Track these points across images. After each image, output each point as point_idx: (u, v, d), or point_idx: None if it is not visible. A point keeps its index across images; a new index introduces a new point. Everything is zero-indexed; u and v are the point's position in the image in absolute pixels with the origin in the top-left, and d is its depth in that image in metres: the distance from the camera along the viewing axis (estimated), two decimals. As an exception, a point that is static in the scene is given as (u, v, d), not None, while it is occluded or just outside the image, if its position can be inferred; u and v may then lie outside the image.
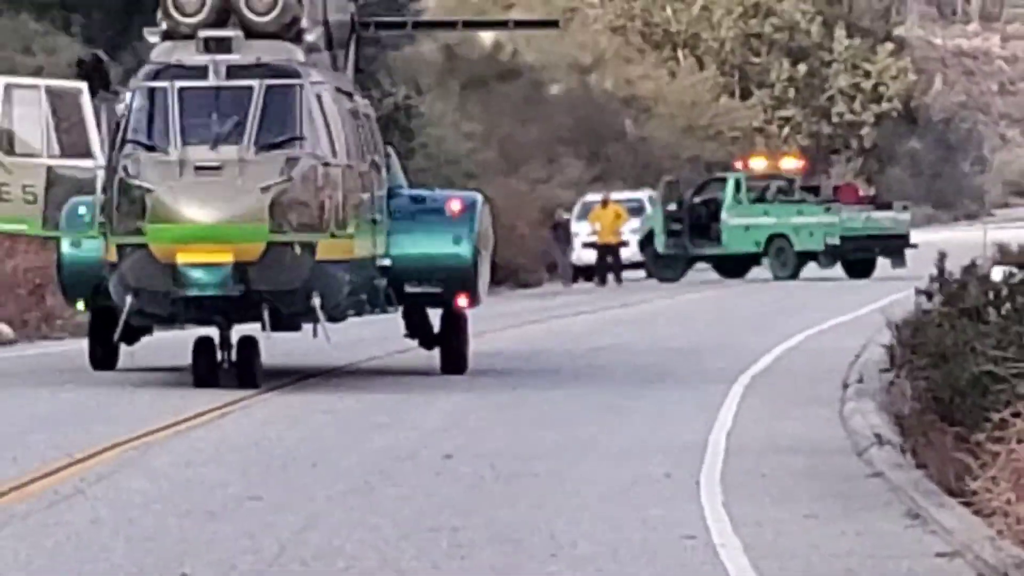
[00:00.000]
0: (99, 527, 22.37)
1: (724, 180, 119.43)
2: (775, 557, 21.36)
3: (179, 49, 42.11)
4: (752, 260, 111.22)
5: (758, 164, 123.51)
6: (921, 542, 22.35)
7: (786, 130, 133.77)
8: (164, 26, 42.75)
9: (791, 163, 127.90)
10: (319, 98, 41.81)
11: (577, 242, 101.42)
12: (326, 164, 41.47)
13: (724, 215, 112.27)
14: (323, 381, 44.09)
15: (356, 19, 45.47)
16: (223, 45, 41.89)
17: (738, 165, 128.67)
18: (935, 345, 32.14)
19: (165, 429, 34.98)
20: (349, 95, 45.11)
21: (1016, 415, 23.44)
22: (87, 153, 39.21)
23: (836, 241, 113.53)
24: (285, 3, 42.09)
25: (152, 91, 41.82)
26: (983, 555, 18.86)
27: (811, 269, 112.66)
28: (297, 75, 42.09)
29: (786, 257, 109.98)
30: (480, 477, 29.70)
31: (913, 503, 26.13)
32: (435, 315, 51.72)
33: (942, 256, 36.99)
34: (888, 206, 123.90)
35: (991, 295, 33.36)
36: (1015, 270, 34.21)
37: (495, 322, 65.67)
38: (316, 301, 41.09)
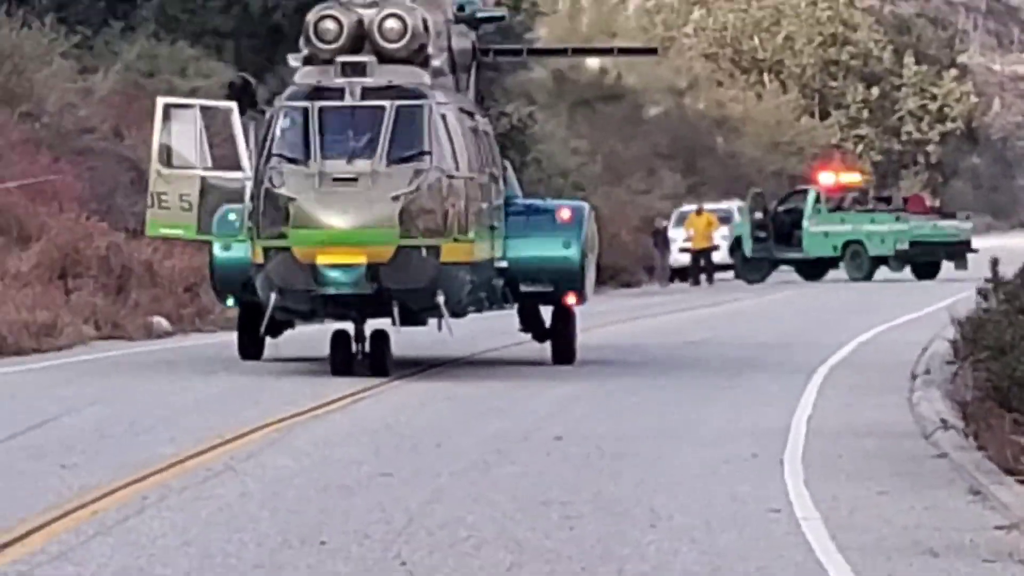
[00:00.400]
0: (247, 500, 22.85)
1: (805, 192, 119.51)
2: (851, 529, 21.66)
3: (319, 73, 42.75)
4: (830, 264, 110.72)
5: (827, 180, 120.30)
6: (982, 516, 22.47)
7: (860, 147, 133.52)
8: (306, 52, 43.93)
9: (851, 177, 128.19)
10: (443, 117, 41.71)
11: (674, 247, 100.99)
12: (450, 176, 41.36)
13: (805, 223, 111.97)
14: (446, 370, 44.17)
15: (476, 46, 46.65)
16: (358, 69, 42.01)
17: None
18: (994, 339, 31.84)
19: (305, 413, 35.15)
20: (470, 114, 45.16)
21: None
22: (236, 166, 39.15)
23: (905, 246, 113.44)
24: (414, 32, 42.44)
25: (295, 110, 42.31)
26: None
27: (883, 272, 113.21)
28: (424, 96, 41.91)
29: (861, 261, 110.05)
30: (587, 457, 29.43)
31: (975, 481, 26.21)
32: (546, 312, 51.03)
33: (995, 261, 37.49)
34: (952, 215, 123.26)
35: None
36: None
37: (600, 318, 64.91)
38: (440, 299, 41.12)
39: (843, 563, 17.88)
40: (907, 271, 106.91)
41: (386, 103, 40.26)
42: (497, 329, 50.49)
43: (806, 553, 18.58)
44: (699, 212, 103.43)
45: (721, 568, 17.14)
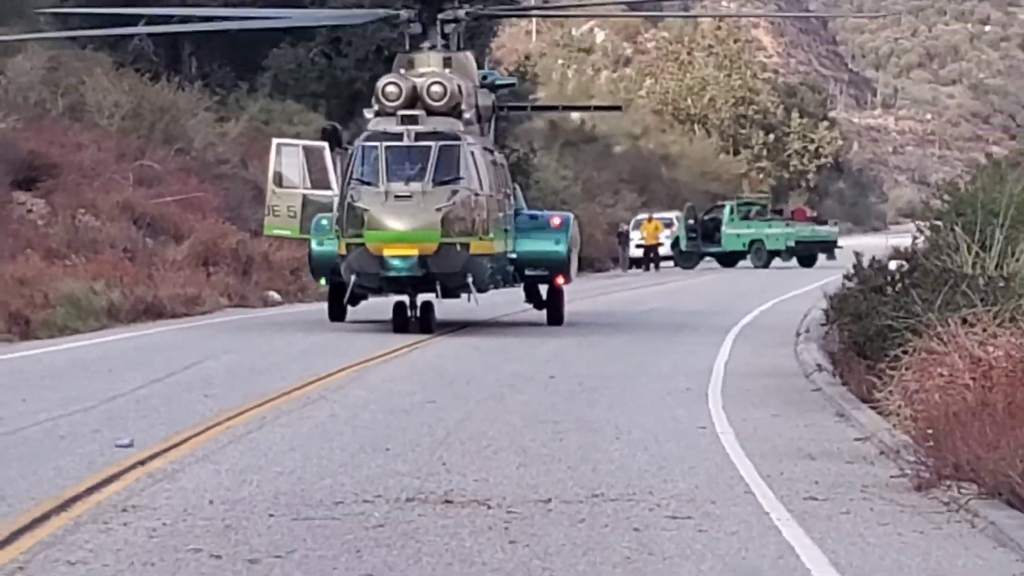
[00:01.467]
0: (334, 419, 23.29)
1: (723, 206, 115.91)
2: (754, 440, 22.80)
3: (385, 122, 42.04)
4: (740, 256, 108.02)
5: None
6: (845, 431, 23.76)
7: (761, 175, 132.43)
8: (376, 108, 43.13)
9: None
10: (472, 153, 42.28)
11: (632, 244, 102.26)
12: (476, 194, 41.50)
13: (723, 227, 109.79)
14: (473, 330, 43.51)
15: (495, 104, 45.11)
16: (413, 120, 41.43)
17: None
18: (854, 309, 32.16)
19: (375, 359, 34.30)
20: (490, 151, 46.21)
21: (905, 352, 24.04)
22: (327, 186, 39.83)
23: (792, 244, 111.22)
24: (451, 94, 42.08)
25: (369, 148, 41.46)
26: (884, 439, 20.80)
27: (777, 262, 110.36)
28: (458, 139, 41.77)
29: (761, 254, 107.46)
30: (571, 390, 29.04)
31: (840, 407, 27.05)
32: (543, 289, 48.81)
33: (858, 254, 35.21)
34: (824, 222, 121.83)
35: (888, 278, 32.09)
36: (903, 263, 33.60)
37: (580, 293, 63.19)
38: (469, 279, 40.48)
39: (748, 463, 19.13)
40: (793, 261, 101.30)
41: (432, 143, 40.54)
42: (509, 301, 48.41)
43: (723, 457, 19.83)
44: (649, 220, 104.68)
45: (665, 467, 18.08)
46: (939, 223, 39.24)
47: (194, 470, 16.78)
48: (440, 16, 44.60)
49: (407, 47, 45.05)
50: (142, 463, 16.81)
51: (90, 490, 14.60)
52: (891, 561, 13.19)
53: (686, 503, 15.29)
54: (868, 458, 19.58)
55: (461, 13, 47.54)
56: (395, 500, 14.65)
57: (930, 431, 17.92)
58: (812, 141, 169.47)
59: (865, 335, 30.75)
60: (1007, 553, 13.34)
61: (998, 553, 13.49)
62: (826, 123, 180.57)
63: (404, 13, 44.83)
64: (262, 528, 13.04)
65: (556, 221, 47.50)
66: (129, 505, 13.79)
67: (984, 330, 23.74)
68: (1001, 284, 29.11)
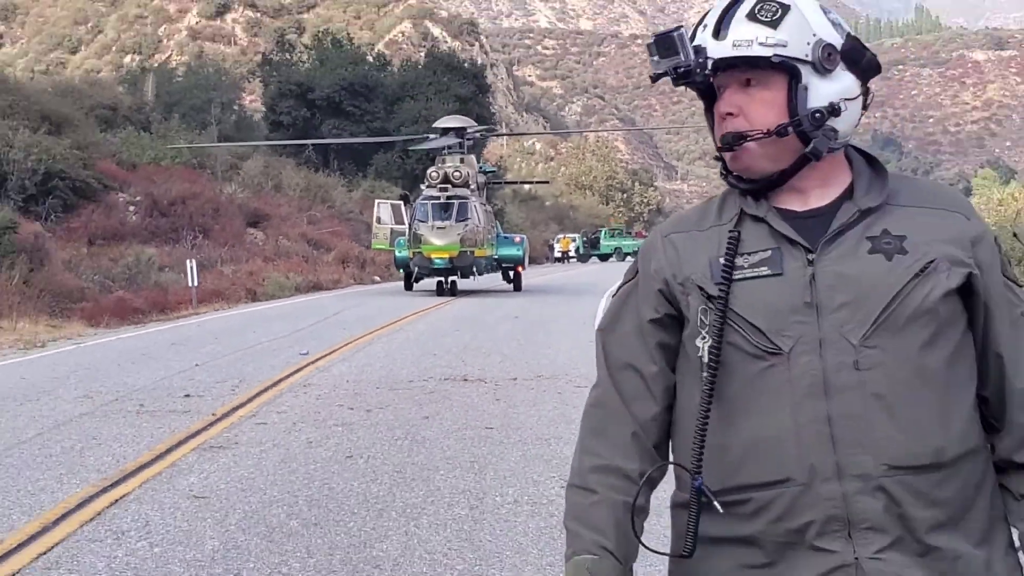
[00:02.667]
0: (407, 339, 23.70)
1: (602, 229, 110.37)
2: None
3: (430, 191, 45.14)
4: (610, 255, 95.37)
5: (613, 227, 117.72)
6: None
7: (620, 215, 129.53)
8: (426, 184, 46.57)
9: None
10: (475, 206, 48.26)
11: (555, 250, 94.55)
12: (476, 226, 46.62)
13: (602, 240, 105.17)
14: (476, 295, 46.98)
15: (486, 181, 49.07)
16: (444, 189, 44.93)
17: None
18: None
19: (427, 309, 34.55)
20: (484, 205, 49.45)
21: None
22: (403, 223, 44.35)
23: (635, 248, 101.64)
24: (465, 177, 45.85)
25: (423, 203, 46.43)
26: None
27: (629, 259, 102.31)
28: (467, 199, 48.03)
29: (621, 254, 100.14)
30: (531, 324, 30.21)
31: None
32: (511, 272, 51.06)
33: None
34: None
35: None
36: None
37: (528, 276, 63.80)
38: (474, 268, 45.25)
39: None
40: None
41: (454, 201, 45.90)
42: (493, 280, 52.20)
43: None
44: (564, 238, 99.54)
45: (573, 361, 18.99)
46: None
47: (338, 366, 19.23)
48: (462, 138, 50.68)
49: (444, 152, 51.55)
50: (313, 363, 19.57)
51: (288, 376, 17.15)
52: None
53: (585, 379, 18.08)
54: None
55: (476, 135, 54.15)
56: (439, 379, 16.70)
57: None
58: (643, 196, 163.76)
59: None
60: None
61: None
62: (653, 187, 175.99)
63: (444, 140, 51.00)
64: (372, 394, 15.28)
65: (517, 238, 54.90)
66: (307, 383, 16.44)
67: None
68: None
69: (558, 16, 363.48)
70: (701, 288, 2.14)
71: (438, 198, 43.84)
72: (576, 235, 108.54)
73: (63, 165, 37.99)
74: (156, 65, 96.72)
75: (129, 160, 47.16)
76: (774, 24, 1.99)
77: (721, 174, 2.23)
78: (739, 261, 2.10)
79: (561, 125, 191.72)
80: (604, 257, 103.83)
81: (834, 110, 2.03)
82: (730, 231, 2.11)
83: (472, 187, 46.52)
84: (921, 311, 1.98)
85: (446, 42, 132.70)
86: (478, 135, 55.74)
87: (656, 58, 2.08)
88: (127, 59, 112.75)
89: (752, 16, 1.99)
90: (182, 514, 8.48)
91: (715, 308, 2.09)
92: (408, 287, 46.56)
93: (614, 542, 2.13)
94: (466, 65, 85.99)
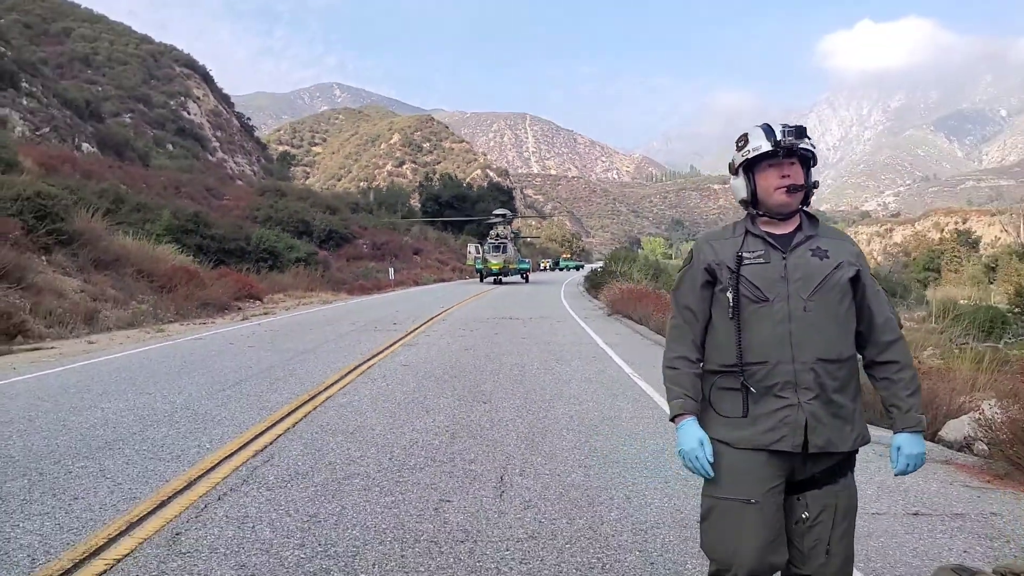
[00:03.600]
0: (481, 304, 27.09)
1: (560, 257, 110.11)
2: (570, 299, 28.04)
3: (491, 240, 52.31)
4: (564, 269, 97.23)
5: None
6: (592, 303, 26.99)
7: (565, 252, 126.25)
8: (490, 237, 53.48)
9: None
10: (510, 247, 51.40)
11: (541, 266, 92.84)
12: (510, 255, 51.07)
13: (561, 262, 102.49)
14: (509, 285, 45.68)
15: (516, 236, 54.54)
16: (496, 239, 52.18)
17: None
18: (593, 277, 29.90)
19: (491, 289, 38.96)
20: (516, 246, 54.08)
21: (608, 286, 26.01)
22: (479, 254, 50.07)
23: (575, 265, 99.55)
24: (506, 235, 53.52)
25: (487, 245, 51.97)
26: (600, 305, 23.90)
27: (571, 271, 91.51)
28: (507, 243, 51.71)
29: (568, 269, 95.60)
30: (531, 294, 34.07)
31: (589, 298, 29.11)
32: (525, 275, 54.99)
33: (595, 269, 36.15)
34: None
35: (602, 269, 33.05)
36: (601, 266, 34.74)
37: (531, 277, 63.97)
38: (514, 273, 50.33)
39: (567, 307, 24.41)
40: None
41: (501, 244, 50.50)
42: (516, 282, 52.71)
43: (564, 308, 25.02)
44: (544, 260, 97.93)
45: (552, 310, 23.92)
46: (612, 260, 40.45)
47: (456, 312, 22.39)
48: (505, 218, 55.18)
49: (497, 224, 55.20)
50: (446, 310, 23.24)
51: (435, 316, 20.46)
52: (602, 324, 19.58)
53: (557, 319, 20.68)
54: (599, 308, 24.83)
55: (510, 216, 57.92)
56: (499, 318, 19.67)
57: (613, 303, 22.46)
58: (577, 245, 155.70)
59: (593, 282, 34.04)
60: (622, 324, 19.66)
61: (622, 324, 19.63)
62: (580, 240, 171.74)
63: (498, 219, 55.35)
64: (472, 324, 18.63)
65: (527, 261, 57.96)
66: (444, 319, 19.48)
67: (619, 282, 27.94)
68: (620, 273, 32.68)
69: (541, 166, 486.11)
70: (728, 267, 2.78)
71: (494, 243, 50.82)
72: (550, 259, 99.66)
73: (336, 227, 49.58)
74: (373, 185, 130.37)
75: (364, 225, 58.00)
76: (808, 137, 2.78)
77: (749, 213, 2.85)
78: (745, 254, 2.76)
79: (542, 213, 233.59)
80: (562, 269, 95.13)
81: (816, 184, 2.83)
82: (743, 238, 2.81)
83: (508, 238, 52.35)
84: (836, 285, 2.71)
85: (496, 178, 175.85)
86: (511, 216, 59.03)
87: (786, 138, 2.74)
88: (362, 184, 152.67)
89: (803, 132, 2.74)
90: (398, 372, 10.53)
91: (734, 276, 2.76)
92: (481, 280, 49.69)
93: (692, 392, 2.80)
94: (505, 187, 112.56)
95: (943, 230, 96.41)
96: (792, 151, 2.77)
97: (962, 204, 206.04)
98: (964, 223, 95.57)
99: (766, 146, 2.77)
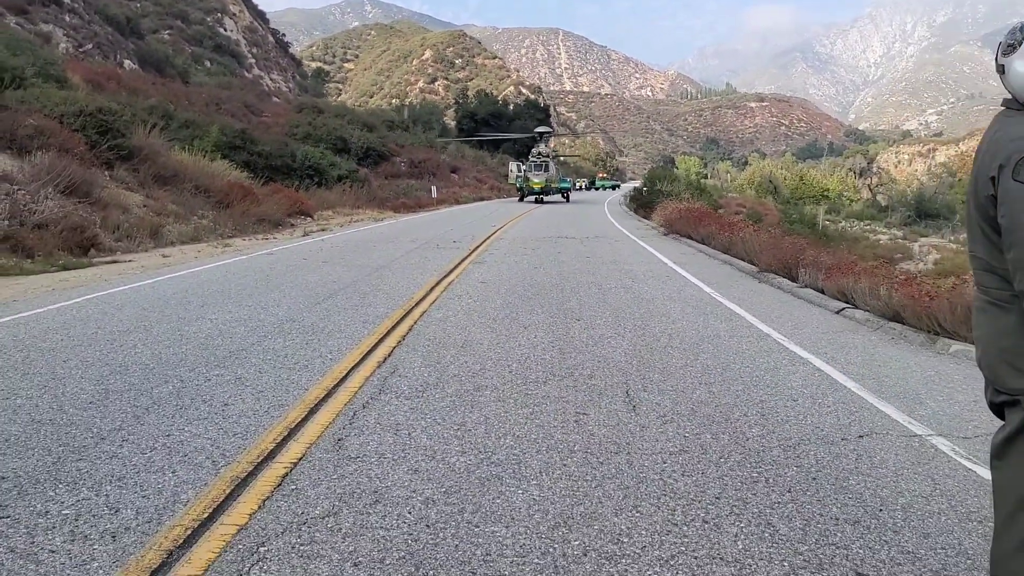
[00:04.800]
0: (532, 220, 28.19)
1: (595, 176, 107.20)
2: (617, 218, 27.82)
3: (533, 159, 52.62)
4: (600, 188, 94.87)
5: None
6: (643, 223, 26.97)
7: (600, 171, 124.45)
8: (531, 156, 53.70)
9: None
10: (551, 165, 51.13)
11: (578, 186, 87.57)
12: (552, 175, 50.46)
13: (596, 182, 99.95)
14: (552, 204, 45.56)
15: (554, 155, 53.67)
16: (537, 158, 52.29)
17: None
18: (637, 196, 32.62)
19: (535, 208, 38.89)
20: (556, 165, 53.49)
21: (655, 207, 27.12)
22: (519, 172, 51.26)
23: (611, 184, 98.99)
24: (547, 154, 53.24)
25: (528, 163, 51.98)
26: (654, 225, 24.32)
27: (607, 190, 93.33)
28: (548, 160, 51.92)
29: (605, 188, 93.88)
30: (572, 212, 33.88)
31: (639, 218, 29.93)
32: (566, 195, 53.64)
33: (635, 188, 36.27)
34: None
35: (643, 189, 32.59)
36: (645, 186, 34.33)
37: (573, 197, 63.89)
38: (555, 193, 49.72)
39: (618, 225, 24.56)
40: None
41: (543, 162, 50.02)
42: (557, 201, 51.86)
43: (610, 223, 25.34)
44: (579, 180, 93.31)
45: (601, 226, 23.96)
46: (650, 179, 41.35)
47: (509, 231, 22.99)
48: (544, 135, 54.55)
49: (538, 141, 54.59)
50: (500, 228, 23.87)
51: (492, 234, 21.10)
52: (662, 244, 19.40)
53: (613, 238, 21.00)
54: (652, 228, 24.68)
55: (549, 134, 57.01)
56: (555, 238, 19.66)
57: (669, 223, 22.41)
58: (612, 163, 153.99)
59: (640, 202, 34.78)
60: (683, 244, 19.71)
61: (683, 244, 19.49)
62: (613, 159, 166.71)
63: (540, 136, 54.92)
64: (530, 242, 19.07)
65: (568, 180, 57.76)
66: (501, 237, 20.04)
67: (672, 202, 27.73)
68: (669, 193, 32.40)
69: (574, 83, 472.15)
70: None
71: (536, 161, 50.47)
72: (586, 179, 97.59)
73: (374, 144, 48.97)
74: (408, 102, 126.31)
75: (400, 144, 57.00)
76: None
77: None
78: None
79: (576, 131, 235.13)
80: (598, 188, 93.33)
81: None
82: None
83: (549, 157, 51.95)
84: None
85: (529, 95, 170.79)
86: (551, 135, 58.82)
87: None
88: (394, 101, 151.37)
89: None
90: (480, 289, 10.68)
91: None
92: (521, 200, 49.34)
93: None
94: (541, 104, 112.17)
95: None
96: None
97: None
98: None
99: None
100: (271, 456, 4.29)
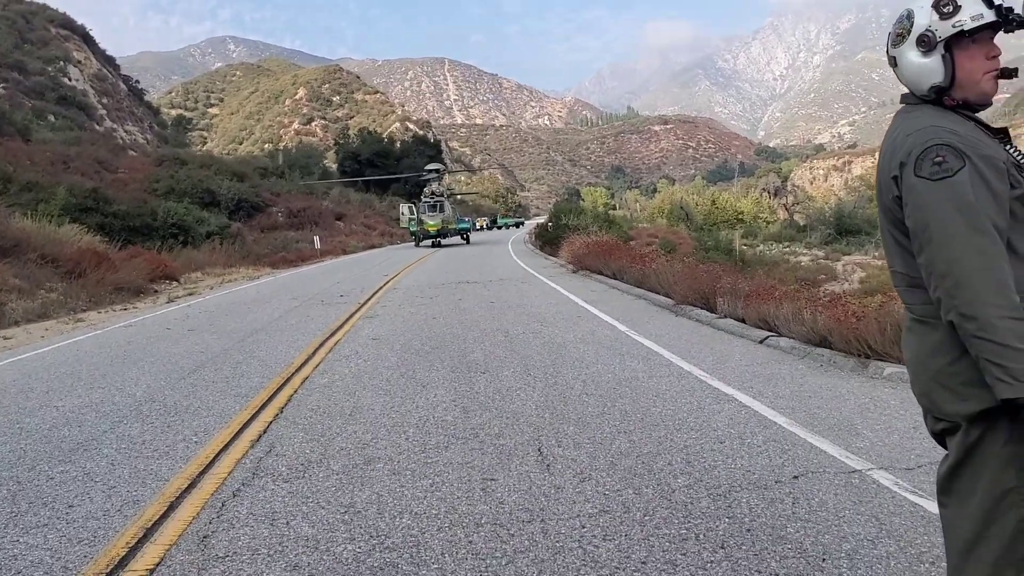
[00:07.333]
0: (431, 269, 27.16)
1: (497, 215, 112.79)
2: (521, 257, 28.26)
3: (426, 199, 52.31)
4: (502, 227, 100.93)
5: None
6: (548, 261, 27.35)
7: (503, 208, 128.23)
8: (423, 196, 53.69)
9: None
10: (447, 205, 51.62)
11: (478, 226, 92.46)
12: (448, 215, 50.90)
13: (498, 220, 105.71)
14: (450, 247, 45.15)
15: (448, 193, 54.08)
16: (432, 198, 52.09)
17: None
18: (542, 232, 29.62)
19: (432, 253, 37.28)
20: (452, 203, 53.60)
21: (560, 242, 27.22)
22: (413, 215, 50.77)
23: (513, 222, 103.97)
24: (441, 192, 53.23)
25: (422, 205, 51.16)
26: (560, 263, 25.03)
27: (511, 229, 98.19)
28: (444, 200, 51.75)
29: (507, 227, 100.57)
30: (475, 253, 33.63)
31: (545, 256, 29.67)
32: (465, 236, 53.38)
33: (540, 224, 37.27)
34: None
35: (548, 225, 32.07)
36: (550, 222, 34.20)
37: (473, 238, 64.51)
38: (453, 235, 50.93)
39: (522, 264, 25.10)
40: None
41: (438, 202, 50.39)
42: (456, 243, 53.34)
43: (515, 263, 25.69)
44: (480, 219, 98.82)
45: (501, 264, 24.58)
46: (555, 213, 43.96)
47: (405, 279, 22.92)
48: (438, 173, 55.25)
49: (430, 180, 54.49)
50: (394, 277, 23.69)
51: (384, 284, 21.04)
52: (571, 282, 19.78)
53: (520, 280, 21.02)
54: (560, 265, 25.08)
55: (443, 172, 58.26)
56: (454, 284, 19.83)
57: (577, 259, 22.78)
58: (512, 200, 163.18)
59: (546, 239, 34.77)
60: (594, 280, 20.18)
61: (593, 280, 20.05)
62: (514, 195, 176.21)
63: (431, 175, 55.17)
64: (428, 289, 19.30)
65: (467, 219, 58.34)
66: (395, 287, 19.93)
67: (580, 236, 28.12)
68: (576, 227, 33.13)
69: (466, 115, 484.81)
70: (1014, 162, 2.18)
71: (429, 202, 49.96)
72: (487, 217, 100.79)
73: (246, 195, 48.57)
74: (282, 146, 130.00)
75: (276, 192, 57.11)
76: None
77: (934, 101, 2.25)
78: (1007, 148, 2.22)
79: (471, 167, 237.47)
80: (500, 227, 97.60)
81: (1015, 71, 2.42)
82: (976, 128, 2.21)
83: (444, 197, 51.71)
84: None
85: (417, 130, 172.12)
86: (444, 172, 58.90)
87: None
88: (267, 146, 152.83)
89: None
90: (371, 347, 10.45)
91: None
92: (416, 245, 49.26)
93: None
94: (431, 140, 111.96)
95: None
96: None
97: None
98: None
99: (989, 15, 2.26)
100: (123, 564, 4.01)
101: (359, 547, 4.09)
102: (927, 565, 3.62)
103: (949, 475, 2.25)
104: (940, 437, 2.34)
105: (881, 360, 7.84)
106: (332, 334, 11.93)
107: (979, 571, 2.16)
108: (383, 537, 4.19)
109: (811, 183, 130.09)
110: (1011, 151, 2.22)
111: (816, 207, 77.92)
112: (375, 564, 3.88)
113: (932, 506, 4.20)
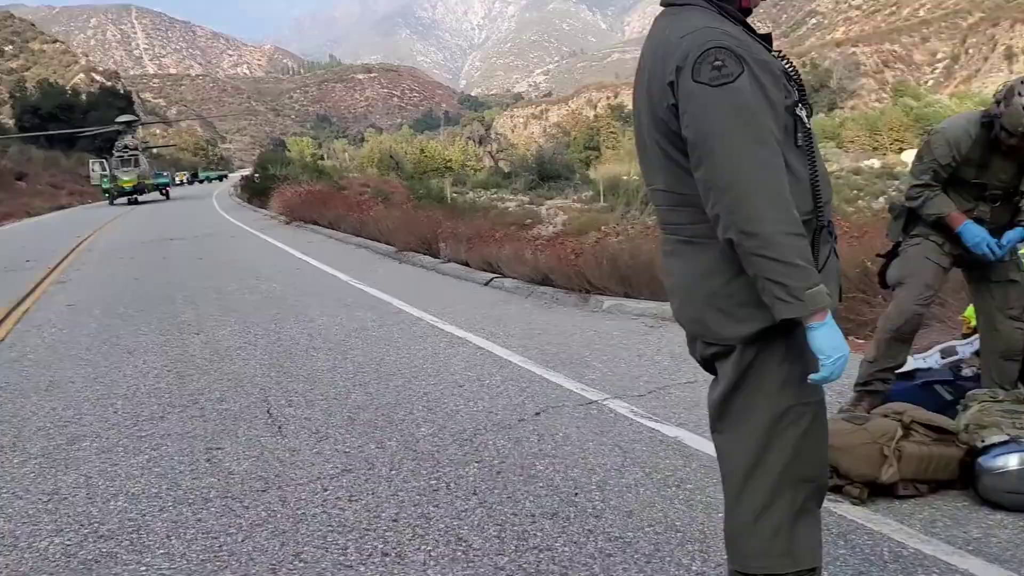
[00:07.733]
0: (131, 227, 25.30)
1: (199, 168, 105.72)
2: (226, 210, 26.01)
3: (120, 153, 52.06)
4: (203, 181, 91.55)
5: None
6: (258, 213, 25.56)
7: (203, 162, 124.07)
8: (116, 150, 54.07)
9: None
10: (142, 159, 47.28)
11: (177, 180, 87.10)
12: (144, 170, 47.32)
13: (199, 174, 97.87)
14: (149, 203, 39.73)
15: (143, 147, 51.29)
16: (125, 152, 47.60)
17: None
18: (247, 185, 28.69)
19: (130, 211, 33.70)
20: (148, 157, 50.26)
21: (277, 191, 25.78)
22: (106, 170, 46.57)
23: (216, 176, 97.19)
24: (136, 146, 49.06)
25: (116, 159, 54.66)
26: (272, 214, 23.36)
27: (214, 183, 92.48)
28: (138, 155, 47.57)
29: (209, 181, 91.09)
30: (180, 208, 29.69)
31: (253, 208, 27.03)
32: (167, 191, 50.49)
33: (250, 175, 34.85)
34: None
35: (252, 177, 31.09)
36: (255, 173, 32.84)
37: (174, 193, 61.06)
38: (151, 191, 47.65)
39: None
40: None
41: (132, 156, 50.39)
42: (155, 199, 48.66)
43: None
44: (180, 173, 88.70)
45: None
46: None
47: (104, 236, 21.29)
48: (131, 126, 50.54)
49: (123, 133, 50.03)
50: (88, 237, 21.62)
51: (79, 244, 19.38)
52: (285, 233, 18.92)
53: (230, 235, 20.26)
54: (271, 217, 23.92)
55: (136, 124, 53.61)
56: (157, 242, 18.18)
57: (290, 210, 21.93)
58: (214, 152, 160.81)
59: (253, 191, 33.21)
60: (309, 232, 19.03)
61: (309, 231, 19.04)
62: (215, 148, 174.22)
63: (123, 128, 50.54)
64: (130, 248, 17.74)
65: (165, 174, 53.84)
66: (91, 248, 18.69)
67: (290, 186, 26.89)
68: (285, 178, 32.15)
69: (158, 65, 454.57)
70: (783, 70, 2.00)
71: (123, 156, 45.66)
72: (186, 172, 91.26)
73: None
74: None
75: None
76: None
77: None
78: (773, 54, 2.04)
79: (167, 119, 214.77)
80: (201, 181, 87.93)
81: None
82: (749, 34, 2.00)
83: (138, 151, 47.31)
84: None
85: (104, 81, 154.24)
86: (137, 124, 54.85)
87: None
88: None
89: None
90: (67, 314, 9.58)
91: (794, 83, 2.01)
92: (111, 203, 44.04)
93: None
94: (121, 91, 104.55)
95: (596, 106, 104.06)
96: None
97: (611, 78, 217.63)
98: (615, 97, 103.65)
99: None
100: None
101: (68, 539, 3.58)
102: (673, 488, 3.65)
103: (723, 400, 2.13)
104: (709, 362, 2.20)
105: (601, 294, 8.06)
106: (19, 303, 10.74)
107: (759, 494, 2.07)
108: (96, 525, 3.70)
109: (513, 131, 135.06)
110: (778, 58, 2.03)
111: (519, 154, 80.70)
112: (89, 557, 3.39)
113: (669, 430, 4.33)
